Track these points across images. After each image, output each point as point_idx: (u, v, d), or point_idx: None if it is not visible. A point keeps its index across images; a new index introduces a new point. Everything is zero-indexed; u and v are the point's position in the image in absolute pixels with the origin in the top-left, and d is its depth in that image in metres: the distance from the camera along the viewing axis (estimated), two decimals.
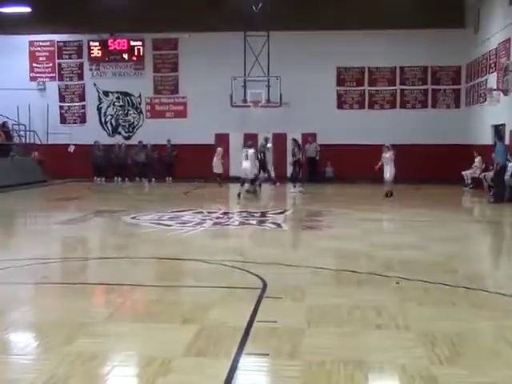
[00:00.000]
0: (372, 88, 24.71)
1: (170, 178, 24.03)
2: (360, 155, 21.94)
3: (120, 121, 26.01)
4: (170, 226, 11.75)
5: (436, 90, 24.52)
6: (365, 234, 10.79)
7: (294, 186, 19.96)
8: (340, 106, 24.87)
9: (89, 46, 25.52)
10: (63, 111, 25.99)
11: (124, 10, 22.72)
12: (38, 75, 25.86)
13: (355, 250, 9.17)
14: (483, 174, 18.57)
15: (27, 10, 22.88)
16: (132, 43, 25.21)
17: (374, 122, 23.97)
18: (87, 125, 25.87)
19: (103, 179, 24.02)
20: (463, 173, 20.76)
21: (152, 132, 24.77)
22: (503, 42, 19.09)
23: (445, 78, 24.46)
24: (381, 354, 4.60)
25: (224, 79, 22.91)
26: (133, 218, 12.94)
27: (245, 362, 4.47)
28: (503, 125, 18.92)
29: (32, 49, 25.80)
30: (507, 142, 17.51)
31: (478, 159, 20.24)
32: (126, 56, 25.27)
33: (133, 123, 25.96)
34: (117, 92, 25.81)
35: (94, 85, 25.80)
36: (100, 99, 25.95)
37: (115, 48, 25.28)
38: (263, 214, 13.60)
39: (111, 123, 26.07)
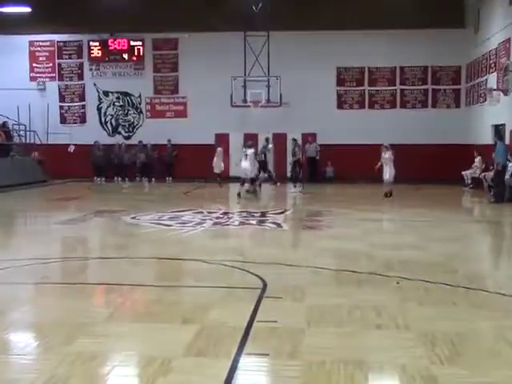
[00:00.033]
0: (372, 88, 24.71)
1: (170, 178, 24.04)
2: (360, 155, 21.93)
3: (120, 121, 26.01)
4: (170, 226, 11.75)
5: (436, 89, 24.52)
6: (365, 234, 10.79)
7: (295, 186, 19.96)
8: (340, 105, 24.87)
9: (89, 46, 25.53)
10: (63, 111, 26.00)
11: (124, 9, 22.71)
12: (38, 75, 25.86)
13: (355, 249, 9.17)
14: (483, 173, 18.57)
15: (27, 9, 22.88)
16: (132, 43, 25.21)
17: (374, 122, 23.97)
18: (87, 125, 25.87)
19: (103, 179, 24.02)
20: (463, 173, 20.76)
21: (152, 132, 24.77)
22: (503, 42, 19.09)
23: (445, 78, 24.46)
24: (381, 354, 4.60)
25: (224, 79, 22.91)
26: (133, 217, 12.94)
27: (245, 362, 4.47)
28: (503, 125, 18.92)
29: (32, 49, 25.80)
30: (507, 141, 17.51)
31: (478, 159, 20.24)
32: (126, 56, 25.27)
33: (133, 123, 25.96)
34: (117, 92, 25.81)
35: (94, 85, 25.81)
36: (100, 99, 25.95)
37: (115, 48, 25.28)
38: (263, 214, 13.60)
39: (111, 123, 26.07)
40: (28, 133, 24.70)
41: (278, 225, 12.13)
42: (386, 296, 6.32)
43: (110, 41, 25.26)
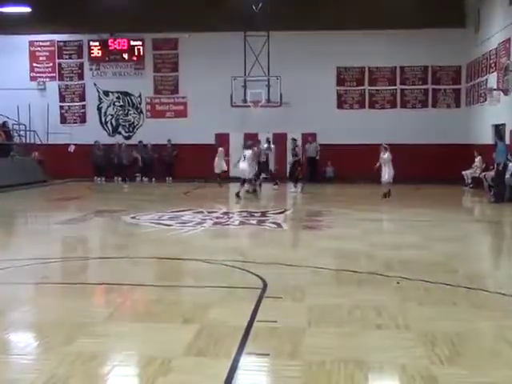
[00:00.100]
0: (372, 88, 24.71)
1: (170, 178, 24.03)
2: (360, 155, 21.91)
3: (120, 121, 26.01)
4: (170, 226, 11.75)
5: (436, 89, 24.51)
6: (365, 234, 10.79)
7: (295, 186, 19.96)
8: (340, 105, 24.86)
9: (89, 46, 25.52)
10: (63, 111, 25.99)
11: (124, 9, 22.70)
12: (38, 75, 25.86)
13: (355, 249, 9.17)
14: (483, 173, 18.57)
15: (27, 9, 22.87)
16: (132, 43, 25.21)
17: (375, 122, 23.97)
18: (87, 125, 25.86)
19: (103, 179, 24.02)
20: (463, 172, 20.76)
21: (152, 132, 24.76)
22: (503, 42, 19.08)
23: (445, 78, 24.46)
24: (381, 354, 4.60)
25: (224, 79, 22.91)
26: (133, 217, 12.94)
27: (245, 361, 4.47)
28: (503, 124, 18.91)
29: (32, 49, 25.80)
30: (507, 141, 17.51)
31: (478, 159, 20.25)
32: (126, 56, 25.26)
33: (133, 123, 25.96)
34: (117, 92, 25.81)
35: (94, 85, 25.81)
36: (100, 99, 25.95)
37: (115, 48, 25.27)
38: (263, 214, 13.59)
39: (111, 123, 26.07)
40: (28, 133, 24.70)
41: (278, 225, 12.13)
42: (386, 296, 6.32)
43: (110, 41, 25.25)
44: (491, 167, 17.66)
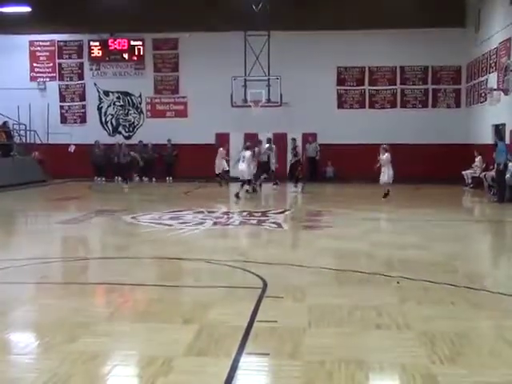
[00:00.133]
0: (372, 88, 24.72)
1: (171, 178, 24.03)
2: (360, 155, 21.89)
3: (120, 120, 26.02)
4: (170, 226, 11.75)
5: (436, 89, 24.52)
6: (365, 234, 10.79)
7: (295, 186, 19.97)
8: (340, 105, 24.87)
9: (89, 46, 25.52)
10: (63, 111, 26.00)
11: (124, 9, 22.71)
12: (38, 75, 25.87)
13: (356, 249, 9.18)
14: (483, 173, 18.57)
15: (27, 9, 22.88)
16: (132, 43, 25.21)
17: (375, 122, 23.97)
18: (87, 124, 25.88)
19: (103, 179, 24.02)
20: (463, 172, 20.76)
21: (152, 132, 24.76)
22: (503, 42, 19.08)
23: (445, 78, 24.46)
24: (381, 354, 4.61)
25: (224, 79, 22.91)
26: (133, 217, 12.94)
27: (245, 361, 4.48)
28: (503, 124, 18.92)
29: (32, 48, 25.81)
30: (507, 141, 17.51)
31: (478, 159, 20.25)
32: (126, 56, 25.26)
33: (133, 123, 25.97)
34: (117, 92, 25.82)
35: (95, 84, 25.81)
36: (100, 99, 25.96)
37: (115, 48, 25.28)
38: (264, 214, 13.60)
39: (111, 123, 26.08)
40: (28, 132, 24.70)
41: (279, 225, 12.13)
42: (386, 296, 6.33)
43: (110, 41, 25.26)
44: (491, 167, 17.66)
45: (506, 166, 15.92)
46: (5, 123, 23.98)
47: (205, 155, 22.45)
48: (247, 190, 18.17)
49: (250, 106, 22.86)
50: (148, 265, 8.44)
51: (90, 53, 25.53)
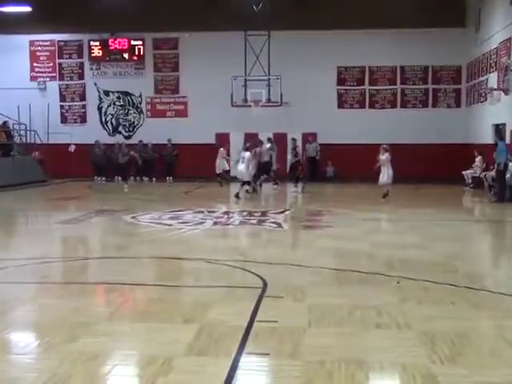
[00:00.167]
0: (373, 87, 24.71)
1: (171, 178, 24.02)
2: (361, 155, 21.88)
3: (120, 120, 26.02)
4: (170, 226, 11.75)
5: (437, 89, 24.52)
6: (365, 234, 10.79)
7: (295, 186, 19.96)
8: (340, 105, 24.87)
9: (89, 46, 25.52)
10: (64, 111, 26.00)
11: (124, 9, 22.72)
12: (38, 75, 25.87)
13: (356, 249, 9.17)
14: (484, 173, 18.57)
15: (28, 9, 22.87)
16: (132, 43, 25.21)
17: (375, 122, 23.97)
18: (88, 124, 25.88)
19: (103, 179, 24.02)
20: (464, 172, 20.75)
21: (152, 131, 24.76)
22: (504, 42, 19.08)
23: (445, 78, 24.46)
24: (381, 354, 4.60)
25: (224, 79, 22.91)
26: (133, 217, 12.94)
27: (245, 361, 4.48)
28: (504, 124, 18.91)
29: (32, 48, 25.80)
30: (507, 141, 17.51)
31: (478, 159, 20.24)
32: (126, 55, 25.27)
33: (133, 123, 25.97)
34: (117, 91, 25.82)
35: (95, 84, 25.81)
36: (100, 99, 25.96)
37: (116, 47, 25.28)
38: (264, 214, 13.59)
39: (112, 123, 26.08)
40: (28, 132, 24.70)
41: (279, 224, 12.12)
42: (386, 296, 6.33)
43: (110, 40, 25.26)
44: (491, 167, 17.66)
45: (506, 165, 15.92)
46: (5, 123, 23.99)
47: (205, 155, 22.44)
48: (247, 190, 18.16)
49: (250, 106, 22.86)
50: (148, 264, 8.44)
51: (90, 53, 25.53)
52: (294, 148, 20.65)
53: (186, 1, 23.33)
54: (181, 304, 6.15)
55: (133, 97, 25.78)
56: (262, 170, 19.71)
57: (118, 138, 25.48)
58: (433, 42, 23.41)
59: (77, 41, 25.72)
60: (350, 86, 24.79)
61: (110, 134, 25.88)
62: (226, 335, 4.99)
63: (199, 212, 13.72)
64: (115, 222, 12.54)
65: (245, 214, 13.62)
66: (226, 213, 14.20)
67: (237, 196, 16.77)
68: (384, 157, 16.32)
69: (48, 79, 25.85)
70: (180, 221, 12.40)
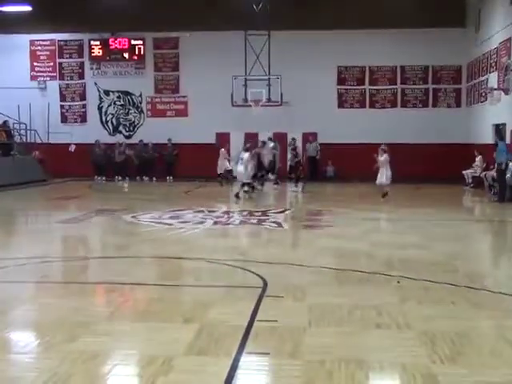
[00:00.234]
0: (373, 87, 24.70)
1: (171, 177, 24.02)
2: (361, 154, 21.85)
3: (121, 120, 26.01)
4: (170, 225, 11.75)
5: (437, 89, 24.51)
6: (365, 234, 10.79)
7: (296, 186, 19.96)
8: (341, 105, 24.86)
9: (89, 45, 25.51)
10: (64, 110, 25.99)
11: (124, 9, 22.71)
12: (38, 74, 25.86)
13: (356, 249, 9.17)
14: (484, 173, 18.57)
15: (28, 9, 22.86)
16: (133, 42, 25.19)
17: (375, 122, 23.96)
18: (88, 124, 25.87)
19: (104, 178, 24.02)
20: (464, 172, 20.75)
21: (153, 131, 24.75)
22: (504, 42, 19.07)
23: (445, 78, 24.46)
24: (381, 353, 4.60)
25: (225, 78, 22.91)
26: (133, 216, 12.94)
27: (245, 360, 4.48)
28: (504, 124, 18.91)
29: (33, 48, 25.79)
30: (508, 141, 17.51)
31: (478, 158, 20.24)
32: (126, 55, 25.25)
33: (133, 122, 25.97)
34: (117, 91, 25.81)
35: (95, 84, 25.81)
36: (101, 98, 25.95)
37: (116, 47, 25.27)
38: (264, 213, 13.59)
39: (112, 122, 26.07)
40: (29, 132, 24.71)
41: (279, 224, 12.12)
42: (386, 295, 6.33)
43: (110, 40, 25.24)
44: (491, 167, 17.66)
45: (506, 165, 15.92)
46: (5, 122, 23.99)
47: (205, 155, 22.45)
48: (246, 191, 18.14)
49: (250, 106, 22.86)
50: (148, 264, 8.44)
51: (90, 52, 25.52)
52: (294, 148, 20.66)
53: (186, 1, 23.33)
54: (181, 303, 6.15)
55: (133, 96, 25.78)
56: (267, 169, 19.77)
57: (119, 138, 25.48)
58: (433, 42, 23.40)
59: (77, 40, 25.71)
60: (350, 85, 24.78)
61: (110, 134, 25.87)
62: (226, 335, 4.99)
63: (199, 211, 13.72)
64: (115, 222, 12.54)
65: (245, 213, 13.62)
66: (227, 212, 14.21)
67: (237, 196, 16.78)
68: (383, 158, 16.23)
69: (48, 79, 25.85)
70: (180, 220, 12.40)
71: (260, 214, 13.55)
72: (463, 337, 4.97)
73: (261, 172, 19.66)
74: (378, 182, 16.40)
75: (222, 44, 23.84)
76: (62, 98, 25.93)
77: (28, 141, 24.71)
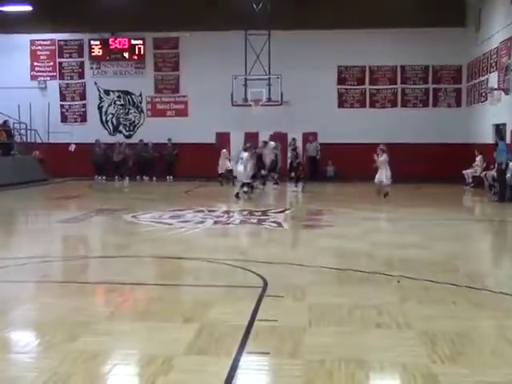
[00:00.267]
0: (373, 87, 24.70)
1: (171, 177, 24.01)
2: (361, 154, 21.81)
3: (121, 119, 26.01)
4: (170, 225, 11.75)
5: (437, 89, 24.50)
6: (365, 233, 10.79)
7: (296, 186, 19.96)
8: (341, 104, 24.85)
9: (90, 45, 25.51)
10: (64, 110, 25.99)
11: (124, 9, 22.71)
12: (38, 74, 25.86)
13: (356, 248, 9.17)
14: (484, 172, 18.56)
15: (28, 8, 22.86)
16: (133, 42, 25.19)
17: (375, 121, 23.95)
18: (88, 124, 25.87)
19: (104, 178, 24.03)
20: (464, 172, 20.74)
21: (153, 131, 24.74)
22: (504, 42, 19.07)
23: (446, 77, 24.45)
24: (381, 353, 4.60)
25: (225, 78, 22.90)
26: (133, 216, 12.94)
27: (246, 360, 4.48)
28: (504, 124, 18.90)
29: (33, 48, 25.79)
30: (508, 141, 17.51)
31: (478, 158, 20.23)
32: (126, 55, 25.25)
33: (134, 122, 25.97)
34: (118, 91, 25.81)
35: (95, 84, 25.80)
36: (101, 98, 25.95)
37: (116, 47, 25.27)
38: (264, 213, 13.58)
39: (112, 122, 26.07)
40: (29, 131, 24.72)
41: (279, 224, 12.12)
42: (386, 295, 6.32)
43: (110, 40, 25.24)
44: (492, 166, 17.65)
45: (506, 165, 15.91)
46: (5, 122, 24.00)
47: (205, 154, 22.44)
48: (245, 192, 18.12)
49: (250, 105, 22.85)
50: (148, 264, 8.44)
51: (90, 52, 25.53)
52: (295, 148, 20.65)
53: (186, 1, 23.32)
54: (181, 303, 6.15)
55: (133, 96, 25.78)
56: (269, 169, 19.77)
57: (119, 138, 25.47)
58: (433, 42, 23.39)
59: (77, 40, 25.71)
60: (351, 85, 24.78)
61: (110, 134, 25.87)
62: (226, 334, 4.99)
63: (199, 211, 13.72)
64: (115, 221, 12.54)
65: (245, 213, 13.62)
66: (227, 212, 14.21)
67: (237, 196, 16.79)
68: (382, 158, 16.16)
69: (48, 78, 25.85)
70: (180, 220, 12.39)
71: (260, 213, 13.54)
72: (464, 337, 4.96)
73: (262, 171, 19.66)
74: (376, 180, 16.32)
75: (222, 44, 23.84)
76: (62, 97, 25.93)
77: (28, 140, 24.72)
